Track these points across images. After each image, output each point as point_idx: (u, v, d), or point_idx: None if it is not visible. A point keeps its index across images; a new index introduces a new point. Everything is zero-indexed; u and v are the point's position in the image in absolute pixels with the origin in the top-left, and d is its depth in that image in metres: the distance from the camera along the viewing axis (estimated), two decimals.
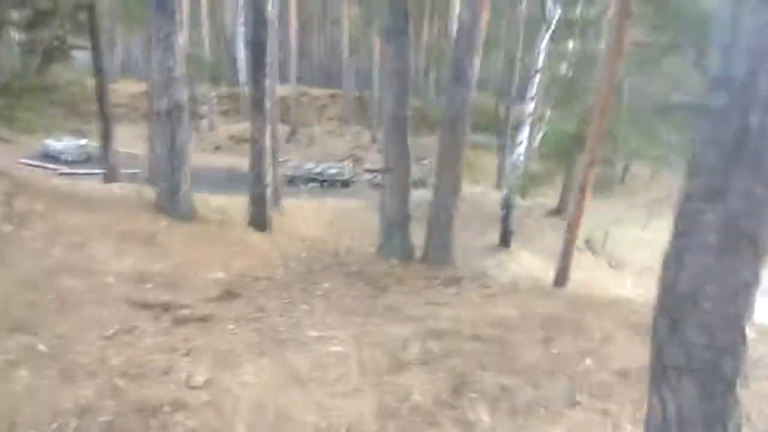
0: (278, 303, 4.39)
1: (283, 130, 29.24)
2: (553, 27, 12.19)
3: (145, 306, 3.91)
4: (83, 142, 22.34)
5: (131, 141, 22.86)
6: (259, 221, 7.21)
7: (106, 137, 12.89)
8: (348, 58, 32.38)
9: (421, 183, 25.26)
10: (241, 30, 30.13)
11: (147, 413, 2.70)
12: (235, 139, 28.26)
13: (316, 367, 3.25)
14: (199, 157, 25.79)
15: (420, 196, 20.16)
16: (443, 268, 5.27)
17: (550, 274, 12.38)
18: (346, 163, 24.40)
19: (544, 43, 12.53)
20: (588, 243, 18.13)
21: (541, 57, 12.74)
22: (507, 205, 13.20)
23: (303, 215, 14.90)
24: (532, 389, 3.08)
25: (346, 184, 22.47)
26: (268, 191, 7.37)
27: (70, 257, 4.32)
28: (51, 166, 20.10)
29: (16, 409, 2.66)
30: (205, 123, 29.63)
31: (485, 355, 3.41)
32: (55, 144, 21.49)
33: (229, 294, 4.41)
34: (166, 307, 3.93)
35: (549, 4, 12.26)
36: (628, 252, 18.26)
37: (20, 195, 5.25)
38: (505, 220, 13.37)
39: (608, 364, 3.39)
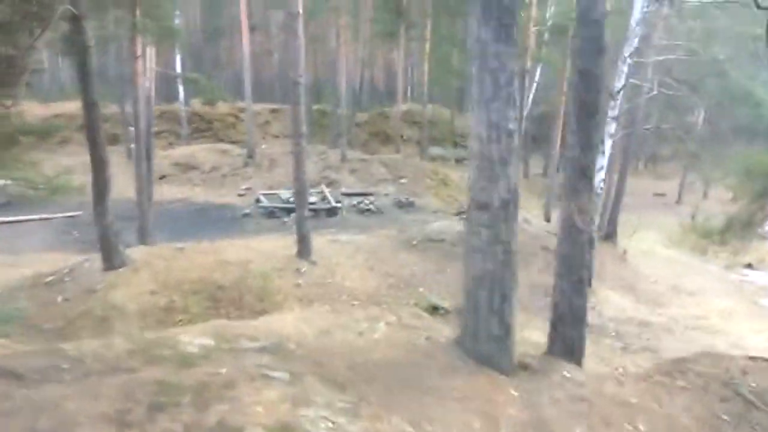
0: None
1: (238, 151, 25.74)
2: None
3: None
4: (1, 183, 17.70)
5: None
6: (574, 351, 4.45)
7: (99, 188, 9.54)
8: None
9: (408, 204, 23.27)
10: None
11: None
12: (181, 166, 24.40)
13: None
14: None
15: (414, 219, 17.88)
16: None
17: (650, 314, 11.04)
18: (323, 188, 21.72)
19: (629, 52, 11.14)
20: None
21: (625, 71, 11.36)
22: (591, 242, 11.61)
23: (341, 266, 12.25)
24: None
25: (332, 212, 19.86)
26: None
27: None
28: None
29: None
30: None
31: None
32: None
33: None
34: None
35: None
36: (652, 269, 17.24)
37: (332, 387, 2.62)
38: (589, 257, 11.79)
39: None
